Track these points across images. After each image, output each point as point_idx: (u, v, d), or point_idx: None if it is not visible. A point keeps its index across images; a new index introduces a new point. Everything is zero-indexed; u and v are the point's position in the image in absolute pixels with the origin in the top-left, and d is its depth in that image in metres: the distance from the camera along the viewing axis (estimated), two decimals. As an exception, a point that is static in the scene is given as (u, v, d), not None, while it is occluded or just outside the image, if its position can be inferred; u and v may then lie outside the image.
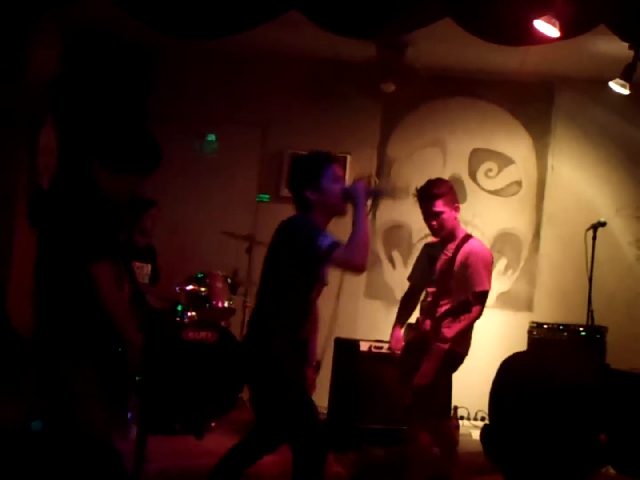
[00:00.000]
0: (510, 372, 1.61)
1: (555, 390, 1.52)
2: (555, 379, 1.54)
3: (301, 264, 3.64)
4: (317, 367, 4.27)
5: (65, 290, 3.43)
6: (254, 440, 3.84)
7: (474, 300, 4.57)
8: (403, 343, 4.82)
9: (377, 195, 3.96)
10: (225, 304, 6.35)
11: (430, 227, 4.73)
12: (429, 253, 4.90)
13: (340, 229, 3.79)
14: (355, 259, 3.56)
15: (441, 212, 4.64)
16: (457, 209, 4.73)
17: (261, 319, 3.75)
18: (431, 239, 4.98)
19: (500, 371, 1.63)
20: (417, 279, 4.95)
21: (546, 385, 1.53)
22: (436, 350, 4.55)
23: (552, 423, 1.52)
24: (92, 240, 3.37)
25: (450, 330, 4.55)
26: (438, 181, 4.77)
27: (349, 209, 3.74)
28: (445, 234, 4.73)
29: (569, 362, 1.58)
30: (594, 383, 1.55)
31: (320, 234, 3.58)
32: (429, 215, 4.69)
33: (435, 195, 4.63)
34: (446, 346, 4.55)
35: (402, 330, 4.89)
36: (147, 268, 6.27)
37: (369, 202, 3.73)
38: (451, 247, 4.71)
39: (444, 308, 4.65)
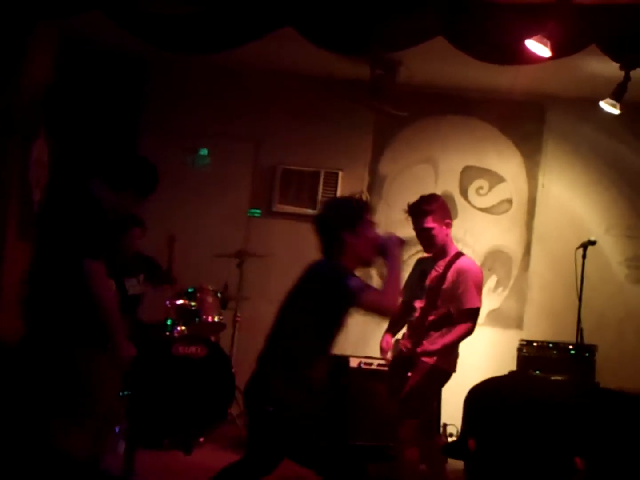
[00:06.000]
0: (485, 395, 1.62)
1: (528, 411, 1.53)
2: (531, 400, 1.55)
3: (329, 307, 3.58)
4: None
5: (66, 288, 3.55)
6: (248, 467, 3.66)
7: (464, 318, 4.59)
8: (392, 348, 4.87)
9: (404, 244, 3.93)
10: (215, 319, 6.35)
11: (421, 242, 4.79)
12: (421, 268, 4.94)
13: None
14: (388, 303, 3.57)
15: (431, 228, 4.69)
16: (448, 225, 4.76)
17: (280, 364, 3.55)
18: (424, 253, 5.01)
19: (475, 393, 1.63)
20: (409, 294, 4.98)
21: (520, 405, 1.54)
22: (422, 365, 4.58)
23: (522, 441, 1.52)
24: (89, 239, 3.55)
25: (434, 344, 4.59)
26: (429, 197, 4.81)
27: (376, 261, 3.72)
28: (436, 250, 4.77)
29: (548, 384, 1.60)
30: (573, 407, 1.56)
31: (351, 276, 3.56)
32: (419, 231, 4.74)
33: (425, 211, 4.68)
34: (432, 361, 4.57)
35: (393, 341, 4.93)
36: (135, 280, 6.23)
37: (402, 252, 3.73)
38: (441, 263, 4.74)
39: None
